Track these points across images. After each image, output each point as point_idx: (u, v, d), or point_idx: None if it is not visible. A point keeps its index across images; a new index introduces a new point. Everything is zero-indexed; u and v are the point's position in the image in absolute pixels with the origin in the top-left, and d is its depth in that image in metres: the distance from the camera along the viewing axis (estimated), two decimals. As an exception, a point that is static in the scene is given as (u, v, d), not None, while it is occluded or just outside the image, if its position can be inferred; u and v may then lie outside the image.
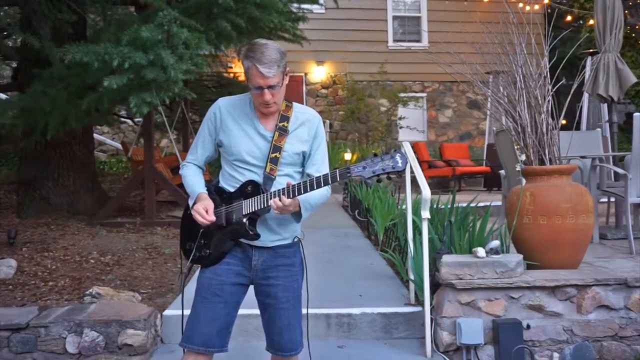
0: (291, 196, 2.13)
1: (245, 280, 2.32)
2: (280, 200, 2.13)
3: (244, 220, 2.23)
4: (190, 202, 2.33)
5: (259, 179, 2.25)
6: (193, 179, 2.37)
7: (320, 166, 2.33)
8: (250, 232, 2.24)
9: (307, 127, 2.32)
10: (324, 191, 2.27)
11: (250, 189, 2.24)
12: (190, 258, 2.32)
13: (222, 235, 2.29)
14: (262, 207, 2.20)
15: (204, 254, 2.31)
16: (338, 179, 2.11)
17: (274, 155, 2.25)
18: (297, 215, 2.27)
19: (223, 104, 2.33)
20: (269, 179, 2.24)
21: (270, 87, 2.17)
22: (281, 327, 2.33)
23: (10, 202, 7.93)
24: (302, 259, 2.40)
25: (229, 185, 2.31)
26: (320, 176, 2.13)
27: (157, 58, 4.51)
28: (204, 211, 2.22)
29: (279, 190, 2.16)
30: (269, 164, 2.24)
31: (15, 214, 7.02)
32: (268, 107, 2.23)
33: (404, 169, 2.11)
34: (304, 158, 2.33)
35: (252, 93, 2.24)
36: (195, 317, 2.26)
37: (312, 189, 2.13)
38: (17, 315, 3.48)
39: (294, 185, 2.14)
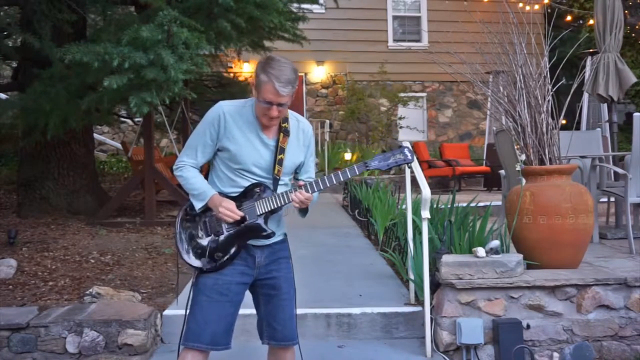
0: (310, 192, 2.26)
1: (248, 279, 2.38)
2: (301, 194, 2.25)
3: (259, 220, 2.30)
4: (200, 204, 2.32)
5: (265, 182, 2.33)
6: (199, 179, 2.36)
7: (311, 173, 2.48)
8: (268, 231, 2.32)
9: (303, 135, 2.43)
10: None
11: (258, 191, 2.30)
12: (207, 268, 2.31)
13: (234, 238, 2.31)
14: (277, 205, 2.29)
15: (216, 257, 2.32)
16: (357, 172, 2.27)
17: (280, 156, 2.32)
18: (304, 211, 2.36)
19: (227, 110, 2.31)
20: (276, 180, 2.33)
21: (280, 104, 2.22)
22: (284, 318, 2.41)
23: (10, 202, 7.92)
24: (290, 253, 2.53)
25: (229, 188, 2.33)
26: (338, 172, 2.28)
27: (157, 58, 4.51)
28: (230, 210, 2.27)
29: (296, 186, 2.28)
30: (276, 166, 2.32)
31: (15, 213, 7.01)
32: (272, 121, 2.29)
33: (413, 161, 2.32)
34: (299, 166, 2.44)
35: (258, 105, 2.26)
36: (202, 316, 2.29)
37: (331, 183, 2.29)
38: (17, 315, 3.48)
39: (316, 180, 2.29)
